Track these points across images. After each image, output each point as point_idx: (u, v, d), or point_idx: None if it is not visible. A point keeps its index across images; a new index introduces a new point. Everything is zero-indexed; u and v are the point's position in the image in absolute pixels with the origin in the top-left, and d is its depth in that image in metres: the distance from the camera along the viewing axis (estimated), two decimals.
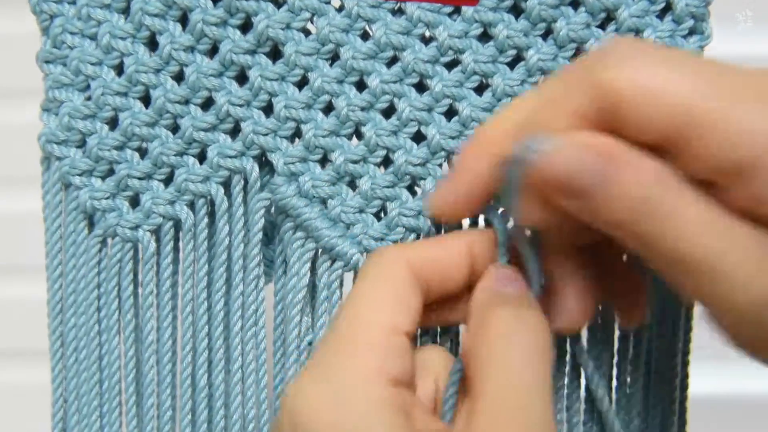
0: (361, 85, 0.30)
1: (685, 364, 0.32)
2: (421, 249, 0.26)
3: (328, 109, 0.31)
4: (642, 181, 0.21)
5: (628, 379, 0.31)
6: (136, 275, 0.32)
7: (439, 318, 0.27)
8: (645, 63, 0.21)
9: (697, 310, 0.32)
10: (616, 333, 0.32)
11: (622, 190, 0.21)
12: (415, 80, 0.30)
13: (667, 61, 0.22)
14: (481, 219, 0.31)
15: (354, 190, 0.31)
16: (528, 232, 0.25)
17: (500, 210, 0.27)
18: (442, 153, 0.31)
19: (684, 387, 0.32)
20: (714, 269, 0.21)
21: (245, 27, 0.30)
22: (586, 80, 0.22)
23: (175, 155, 0.31)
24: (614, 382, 0.32)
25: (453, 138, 0.30)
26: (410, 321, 0.24)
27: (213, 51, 0.31)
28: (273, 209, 0.32)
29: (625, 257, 0.27)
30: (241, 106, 0.30)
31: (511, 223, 0.26)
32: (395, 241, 0.31)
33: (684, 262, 0.21)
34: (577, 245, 0.25)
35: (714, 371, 0.56)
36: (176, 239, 0.32)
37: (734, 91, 0.21)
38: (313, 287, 0.31)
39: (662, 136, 0.21)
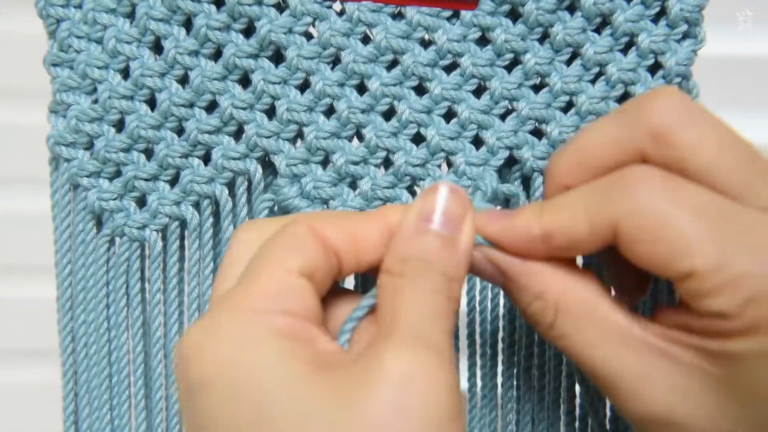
0: (361, 88, 0.31)
1: None
2: (328, 216, 0.26)
3: (330, 111, 0.31)
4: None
5: None
6: (143, 273, 0.33)
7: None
8: (650, 195, 0.24)
9: None
10: None
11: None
12: (415, 83, 0.31)
13: (670, 195, 0.24)
14: None
15: (355, 190, 0.32)
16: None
17: None
18: (441, 154, 0.31)
19: None
20: (615, 384, 0.24)
21: (248, 31, 0.31)
22: (598, 208, 0.25)
23: (180, 157, 0.32)
24: None
25: (452, 139, 0.31)
26: (307, 264, 0.24)
27: (217, 55, 0.31)
28: (276, 209, 0.32)
29: None
30: (244, 109, 0.31)
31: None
32: None
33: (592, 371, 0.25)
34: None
35: None
36: (182, 238, 0.33)
37: (730, 238, 0.23)
38: None
39: (655, 268, 0.24)
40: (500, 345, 0.33)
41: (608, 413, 0.33)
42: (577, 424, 0.33)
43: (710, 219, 0.23)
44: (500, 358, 0.33)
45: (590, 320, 0.25)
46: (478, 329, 0.33)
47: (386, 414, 0.21)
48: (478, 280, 0.33)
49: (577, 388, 0.33)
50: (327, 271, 0.25)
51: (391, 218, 0.26)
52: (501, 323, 0.33)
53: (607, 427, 0.32)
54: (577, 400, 0.33)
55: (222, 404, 0.22)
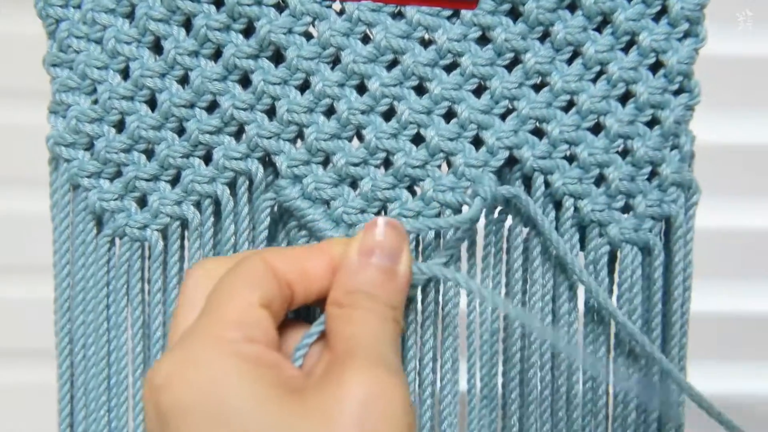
0: (361, 89, 0.31)
1: (682, 359, 0.32)
2: (278, 250, 0.29)
3: (330, 112, 0.31)
4: None
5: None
6: (144, 273, 0.33)
7: None
8: None
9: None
10: (612, 329, 0.32)
11: None
12: (415, 83, 0.31)
13: None
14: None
15: (355, 191, 0.32)
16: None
17: None
18: (441, 155, 0.31)
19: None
20: None
21: (248, 31, 0.31)
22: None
23: (181, 157, 0.32)
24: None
25: (451, 140, 0.31)
26: (265, 296, 0.26)
27: (217, 55, 0.31)
28: (277, 208, 0.32)
29: None
30: (244, 109, 0.31)
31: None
32: None
33: None
34: None
35: (714, 371, 0.57)
36: (183, 238, 0.33)
37: None
38: None
39: None
40: (500, 345, 0.33)
41: (610, 413, 0.33)
42: (580, 422, 0.33)
43: None
44: (500, 358, 0.33)
45: None
46: (478, 330, 0.33)
47: (354, 430, 0.23)
48: (478, 279, 0.33)
49: (579, 388, 0.33)
50: (282, 301, 0.27)
51: (335, 251, 0.28)
52: (500, 324, 0.33)
53: (609, 428, 0.32)
54: (580, 401, 0.33)
55: (199, 428, 0.23)
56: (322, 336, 0.27)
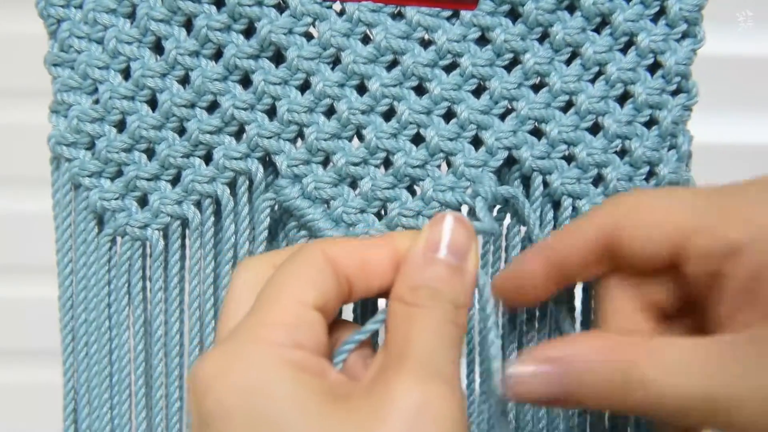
0: (361, 89, 0.31)
1: None
2: (340, 241, 0.27)
3: (330, 112, 0.31)
4: (598, 366, 0.25)
5: None
6: (145, 272, 0.33)
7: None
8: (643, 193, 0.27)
9: None
10: None
11: (583, 380, 0.25)
12: (415, 83, 0.31)
13: (660, 191, 0.27)
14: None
15: (355, 191, 0.32)
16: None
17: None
18: (441, 155, 0.31)
19: None
20: (708, 407, 0.24)
21: (248, 32, 0.31)
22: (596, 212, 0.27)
23: (181, 157, 0.32)
24: None
25: (451, 140, 0.31)
26: (321, 298, 0.25)
27: (217, 55, 0.31)
28: (277, 208, 0.33)
29: None
30: (245, 109, 0.31)
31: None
32: None
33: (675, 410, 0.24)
34: None
35: None
36: (183, 237, 0.33)
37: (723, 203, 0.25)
38: None
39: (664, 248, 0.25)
40: (498, 342, 0.33)
41: (607, 411, 0.33)
42: (576, 420, 0.33)
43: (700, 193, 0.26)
44: (499, 355, 0.33)
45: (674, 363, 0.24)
46: (477, 328, 0.33)
47: None
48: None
49: None
50: (338, 298, 0.26)
51: (399, 244, 0.26)
52: (500, 321, 0.33)
53: (606, 424, 0.33)
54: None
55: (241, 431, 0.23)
56: (369, 339, 0.26)
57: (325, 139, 0.31)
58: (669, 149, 0.31)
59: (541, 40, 0.31)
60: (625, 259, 0.27)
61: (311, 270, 0.25)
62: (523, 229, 0.32)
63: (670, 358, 0.24)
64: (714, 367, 0.24)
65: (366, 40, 0.31)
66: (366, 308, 0.33)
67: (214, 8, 0.31)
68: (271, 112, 0.32)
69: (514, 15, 0.31)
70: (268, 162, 0.32)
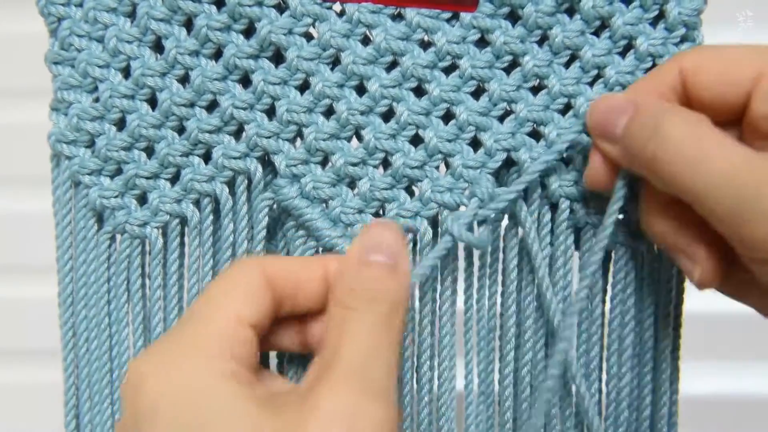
0: (361, 90, 0.31)
1: (675, 359, 0.33)
2: (278, 261, 0.28)
3: (329, 112, 0.31)
4: (657, 109, 0.27)
5: (615, 379, 0.33)
6: (144, 270, 0.33)
7: (282, 341, 0.29)
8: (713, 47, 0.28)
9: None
10: (606, 329, 0.33)
11: (637, 123, 0.27)
12: (414, 85, 0.31)
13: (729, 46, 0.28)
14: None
15: (354, 191, 0.32)
16: None
17: None
18: (439, 156, 0.31)
19: (673, 380, 0.33)
20: (738, 184, 0.25)
21: (248, 32, 0.31)
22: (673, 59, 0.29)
23: (181, 156, 0.32)
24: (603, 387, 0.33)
25: (450, 141, 0.31)
26: (257, 316, 0.26)
27: (217, 55, 0.31)
28: (275, 207, 0.33)
29: None
30: (244, 109, 0.31)
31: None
32: None
33: (713, 204, 0.25)
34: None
35: (714, 371, 0.57)
36: (182, 236, 0.33)
37: None
38: None
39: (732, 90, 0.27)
40: (497, 343, 0.33)
41: (604, 411, 0.33)
42: (572, 421, 0.33)
43: None
44: (496, 356, 0.33)
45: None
46: (475, 327, 0.33)
47: None
48: (475, 279, 0.33)
49: (573, 387, 0.33)
50: (270, 317, 0.27)
51: (330, 266, 0.28)
52: (497, 322, 0.33)
53: (602, 426, 0.33)
54: (573, 399, 0.33)
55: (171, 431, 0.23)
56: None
57: (324, 140, 0.31)
58: None
59: (541, 42, 0.31)
60: (699, 102, 0.28)
61: (250, 288, 0.26)
62: (521, 231, 0.32)
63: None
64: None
65: (366, 41, 0.31)
66: None
67: (214, 8, 0.31)
68: (271, 112, 0.32)
69: (513, 17, 0.31)
70: (266, 161, 0.32)
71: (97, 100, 0.32)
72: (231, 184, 0.32)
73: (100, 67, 0.32)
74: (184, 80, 0.32)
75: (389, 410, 0.24)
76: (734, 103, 0.27)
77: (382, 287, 0.26)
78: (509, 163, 0.32)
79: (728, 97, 0.27)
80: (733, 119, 0.28)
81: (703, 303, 0.55)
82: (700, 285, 0.28)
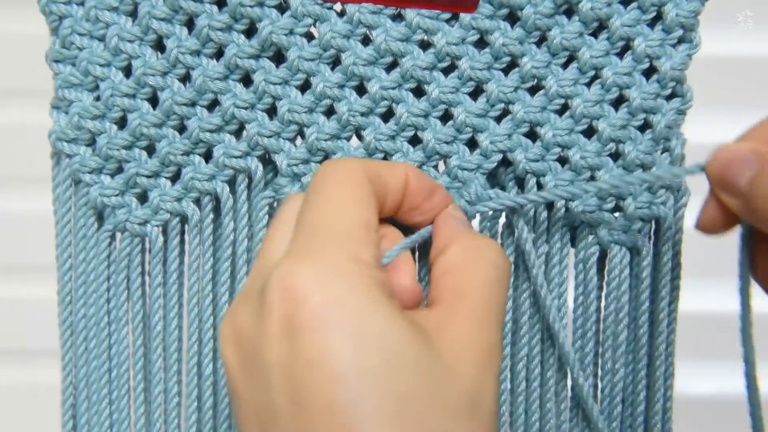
0: (361, 90, 0.31)
1: (670, 355, 0.33)
2: (369, 163, 0.27)
3: (330, 112, 0.32)
4: None
5: (611, 367, 0.33)
6: (144, 268, 0.34)
7: None
8: None
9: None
10: (601, 326, 0.33)
11: (765, 179, 0.26)
12: (413, 86, 0.31)
13: None
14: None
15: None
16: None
17: None
18: (437, 156, 0.32)
19: (668, 376, 0.33)
20: None
21: (250, 32, 0.31)
22: None
23: (182, 154, 0.32)
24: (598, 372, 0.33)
25: (447, 143, 0.32)
26: (375, 219, 0.25)
27: (218, 55, 0.31)
28: (276, 206, 0.33)
29: None
30: (245, 108, 0.32)
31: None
32: None
33: None
34: None
35: (715, 371, 0.57)
36: (183, 234, 0.33)
37: None
38: None
39: None
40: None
41: (599, 406, 0.33)
42: (567, 415, 0.34)
43: None
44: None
45: None
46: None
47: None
48: None
49: (569, 381, 0.33)
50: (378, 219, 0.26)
51: (410, 174, 0.28)
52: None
53: (599, 424, 0.33)
54: (568, 393, 0.33)
55: (347, 349, 0.22)
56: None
57: (325, 140, 0.32)
58: (662, 152, 0.32)
59: (539, 43, 0.31)
60: None
61: (364, 191, 0.26)
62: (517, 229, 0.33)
63: None
64: None
65: (366, 41, 0.31)
66: None
67: (215, 8, 0.31)
68: (272, 112, 0.32)
69: (512, 19, 0.31)
70: (267, 160, 0.33)
71: (98, 98, 0.32)
72: (232, 182, 0.33)
73: (101, 65, 0.32)
74: (185, 79, 0.32)
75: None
76: None
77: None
78: (506, 163, 0.32)
79: None
80: None
81: (702, 303, 0.55)
82: None
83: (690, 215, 0.33)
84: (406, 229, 0.29)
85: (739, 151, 0.27)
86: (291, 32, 0.31)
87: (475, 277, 0.26)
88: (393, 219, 0.29)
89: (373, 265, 0.24)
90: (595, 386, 0.33)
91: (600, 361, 0.33)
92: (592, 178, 0.32)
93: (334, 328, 0.22)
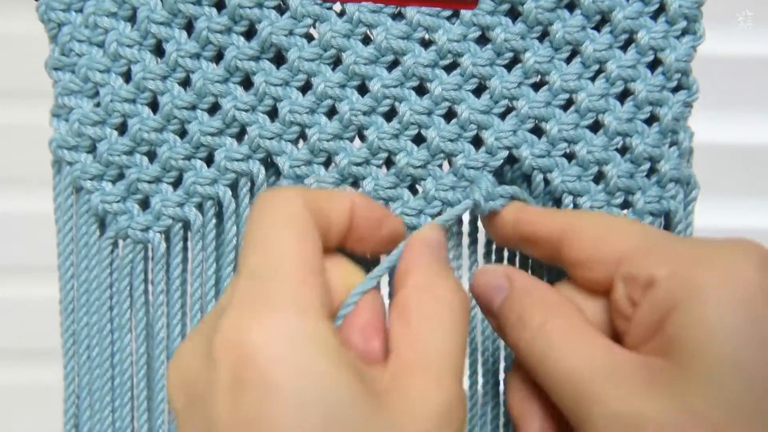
0: (362, 89, 0.31)
1: None
2: (311, 193, 0.26)
3: (332, 113, 0.31)
4: (523, 297, 0.28)
5: None
6: (146, 275, 0.33)
7: None
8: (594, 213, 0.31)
9: None
10: None
11: (507, 307, 0.28)
12: (415, 84, 0.31)
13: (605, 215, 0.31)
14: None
15: (357, 191, 0.32)
16: None
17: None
18: (442, 155, 0.31)
19: None
20: (577, 385, 0.25)
21: (249, 34, 0.31)
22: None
23: (183, 159, 0.32)
24: None
25: (452, 141, 0.31)
26: (319, 257, 0.24)
27: (218, 57, 0.31)
28: None
29: None
30: (246, 111, 0.31)
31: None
32: None
33: (553, 376, 0.26)
34: None
35: None
36: (185, 240, 0.33)
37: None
38: None
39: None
40: (501, 342, 0.33)
41: None
42: None
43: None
44: (501, 354, 0.33)
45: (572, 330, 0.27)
46: (479, 327, 0.33)
47: None
48: None
49: None
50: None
51: (356, 200, 0.27)
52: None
53: None
54: None
55: (289, 410, 0.22)
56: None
57: (327, 140, 0.31)
58: (670, 146, 0.31)
59: (541, 38, 0.31)
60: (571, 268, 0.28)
61: (306, 228, 0.24)
62: None
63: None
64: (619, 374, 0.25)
65: (366, 40, 0.31)
66: None
67: (214, 10, 0.31)
68: (273, 114, 0.32)
69: (514, 14, 0.31)
70: (269, 163, 0.32)
71: (98, 104, 0.32)
72: (234, 186, 0.32)
73: (100, 71, 0.32)
74: (185, 83, 0.32)
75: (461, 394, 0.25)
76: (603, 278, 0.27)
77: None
78: (512, 160, 0.32)
79: (596, 272, 0.27)
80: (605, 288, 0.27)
81: None
82: None
83: (699, 209, 0.33)
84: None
85: (494, 276, 0.29)
86: (291, 33, 0.31)
87: (428, 324, 0.25)
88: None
89: (320, 313, 0.23)
90: None
91: None
92: (600, 173, 0.31)
93: (277, 388, 0.22)
